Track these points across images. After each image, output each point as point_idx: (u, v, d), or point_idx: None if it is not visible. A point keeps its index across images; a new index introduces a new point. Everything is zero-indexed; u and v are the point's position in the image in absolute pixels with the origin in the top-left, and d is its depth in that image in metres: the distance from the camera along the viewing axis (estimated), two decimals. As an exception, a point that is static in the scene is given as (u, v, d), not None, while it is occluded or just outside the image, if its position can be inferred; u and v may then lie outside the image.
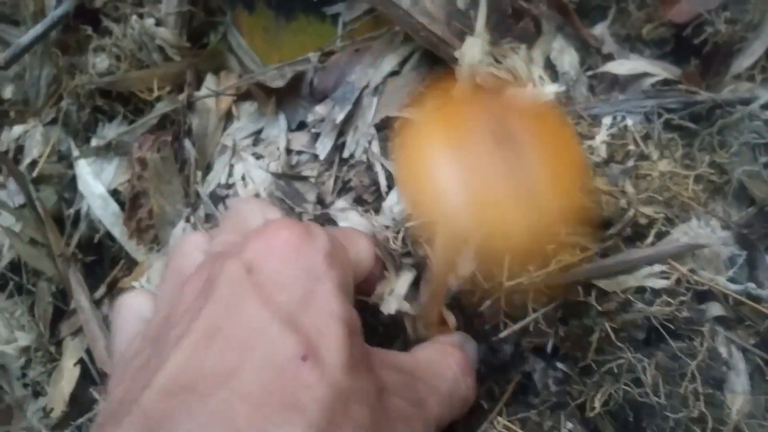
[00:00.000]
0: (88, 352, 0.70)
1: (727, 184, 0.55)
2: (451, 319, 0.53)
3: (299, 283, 0.32)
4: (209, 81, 0.78)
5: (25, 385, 0.71)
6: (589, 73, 0.61)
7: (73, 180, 0.78)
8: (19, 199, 0.77)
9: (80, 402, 0.67)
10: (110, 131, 0.77)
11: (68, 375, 0.69)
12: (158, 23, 0.77)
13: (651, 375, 0.42)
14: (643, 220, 0.52)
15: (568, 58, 0.66)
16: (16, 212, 0.75)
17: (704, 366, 0.43)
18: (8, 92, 0.89)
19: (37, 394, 0.71)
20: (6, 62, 0.73)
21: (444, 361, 0.43)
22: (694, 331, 0.45)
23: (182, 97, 0.72)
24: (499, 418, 0.50)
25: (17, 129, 0.84)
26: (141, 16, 0.76)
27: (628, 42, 0.76)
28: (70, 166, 0.79)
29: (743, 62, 0.73)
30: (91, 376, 0.68)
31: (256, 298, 0.30)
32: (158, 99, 0.75)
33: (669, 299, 0.44)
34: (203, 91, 0.75)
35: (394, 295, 0.52)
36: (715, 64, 0.75)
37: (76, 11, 0.78)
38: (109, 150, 0.76)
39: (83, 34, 0.78)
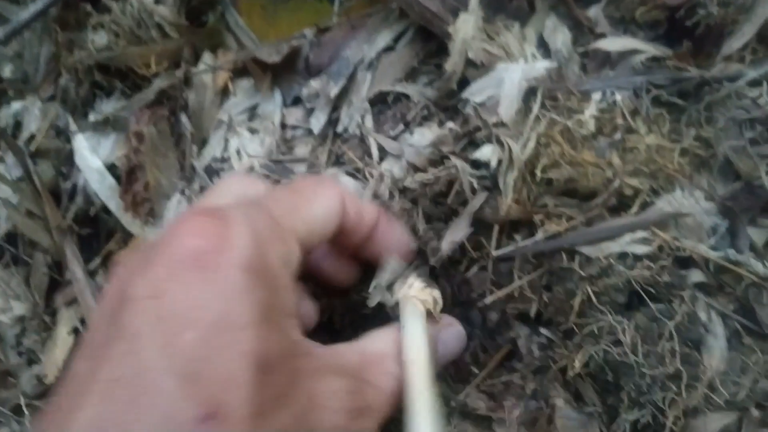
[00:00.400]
0: (83, 321, 0.71)
1: (713, 158, 0.56)
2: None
3: (208, 314, 0.26)
4: (206, 58, 0.79)
5: (20, 353, 0.72)
6: (581, 49, 0.62)
7: (71, 154, 0.79)
8: (17, 173, 0.77)
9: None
10: (108, 106, 0.78)
11: (62, 343, 0.70)
12: (157, 1, 0.78)
13: (630, 335, 0.43)
14: (628, 191, 0.53)
15: (560, 37, 0.67)
16: (14, 185, 0.76)
17: (682, 327, 0.44)
18: (7, 71, 0.90)
19: (32, 361, 0.72)
20: (5, 38, 0.74)
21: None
22: (674, 295, 0.46)
23: (179, 72, 0.73)
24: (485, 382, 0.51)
25: (15, 105, 0.85)
26: (140, -8, 0.77)
27: (622, 24, 0.77)
28: (68, 140, 0.80)
29: (734, 44, 0.74)
30: (85, 345, 0.69)
31: (156, 340, 0.26)
32: (156, 75, 0.76)
33: (650, 264, 0.45)
34: (201, 67, 0.76)
35: (377, 288, 0.48)
36: (707, 46, 0.76)
37: (76, -12, 0.79)
38: (106, 125, 0.77)
39: (83, 11, 0.79)
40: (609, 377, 0.45)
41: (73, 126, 0.79)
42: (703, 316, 0.48)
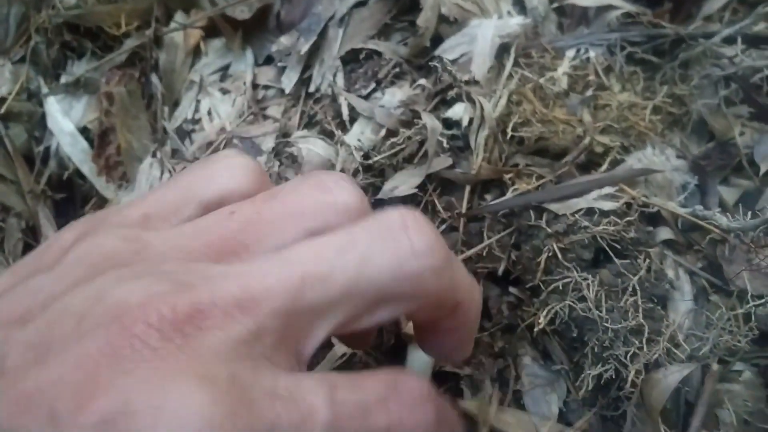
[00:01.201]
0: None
1: (686, 116, 0.56)
2: None
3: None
4: (178, 17, 0.77)
5: None
6: (556, 4, 0.61)
7: (43, 118, 0.78)
8: (-13, 134, 0.76)
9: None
10: (79, 68, 0.77)
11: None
12: (127, -42, 0.75)
13: (594, 291, 0.43)
14: (599, 149, 0.52)
15: (536, -5, 0.65)
16: (-16, 147, 0.75)
17: (647, 283, 0.44)
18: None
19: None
20: (-30, -6, 0.72)
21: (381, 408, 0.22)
22: (640, 251, 0.46)
23: (149, 31, 0.71)
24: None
25: (-14, 66, 0.83)
26: (109, -50, 0.75)
27: None
28: (40, 104, 0.79)
29: (714, 4, 0.73)
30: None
31: None
32: (126, 35, 0.74)
33: (616, 220, 0.45)
34: (172, 26, 0.74)
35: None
36: (687, 6, 0.75)
37: (43, -55, 0.77)
38: (78, 87, 0.76)
39: (51, -29, 0.76)
40: (574, 333, 0.46)
41: (44, 89, 0.77)
42: (670, 272, 0.48)
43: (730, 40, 0.57)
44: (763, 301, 0.41)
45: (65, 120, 0.76)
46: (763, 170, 0.53)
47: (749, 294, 0.45)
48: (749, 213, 0.43)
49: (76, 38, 0.75)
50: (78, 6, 0.74)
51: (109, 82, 0.71)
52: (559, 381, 0.49)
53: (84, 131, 0.76)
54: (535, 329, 0.46)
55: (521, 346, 0.51)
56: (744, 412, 0.42)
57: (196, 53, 0.73)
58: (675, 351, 0.42)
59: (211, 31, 0.72)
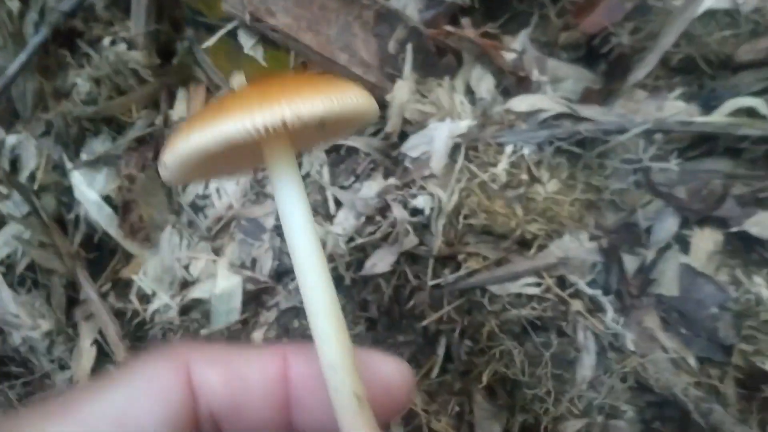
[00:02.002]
0: (101, 333, 0.86)
1: (601, 200, 0.71)
2: None
3: None
4: (180, 95, 0.89)
5: (51, 361, 0.88)
6: (498, 108, 0.74)
7: (69, 187, 0.90)
8: (24, 209, 0.89)
9: (100, 375, 0.84)
10: (97, 146, 0.89)
11: (87, 354, 0.85)
12: (130, 45, 0.86)
13: (519, 360, 0.59)
14: (528, 236, 0.67)
15: (485, 85, 0.78)
16: (24, 221, 0.88)
17: (559, 352, 0.60)
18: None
19: (63, 367, 0.87)
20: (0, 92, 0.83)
21: None
22: (556, 325, 0.62)
23: (159, 120, 0.83)
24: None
25: (11, 139, 0.95)
26: (114, 40, 0.85)
27: (548, 47, 0.89)
28: (64, 174, 0.91)
29: (639, 73, 0.86)
30: (106, 353, 0.85)
31: None
32: (138, 118, 0.86)
33: (535, 305, 0.60)
34: (177, 110, 0.86)
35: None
36: (618, 71, 0.88)
37: (53, 34, 0.87)
38: (98, 162, 0.88)
39: (63, 58, 0.87)
40: (508, 387, 0.62)
41: (68, 164, 0.89)
42: (580, 335, 0.64)
43: (638, 136, 0.70)
44: (636, 364, 0.58)
45: (90, 191, 0.89)
46: (658, 244, 0.68)
47: (635, 353, 0.61)
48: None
49: (93, 123, 0.87)
50: (91, 96, 0.85)
51: (128, 164, 0.84)
52: (502, 414, 0.66)
53: (107, 199, 0.89)
54: (483, 379, 0.63)
55: (474, 387, 0.68)
56: (625, 442, 0.59)
57: (199, 133, 0.86)
58: (577, 402, 0.59)
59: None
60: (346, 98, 0.30)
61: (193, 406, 0.27)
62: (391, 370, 0.30)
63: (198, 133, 0.28)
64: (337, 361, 0.29)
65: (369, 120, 0.35)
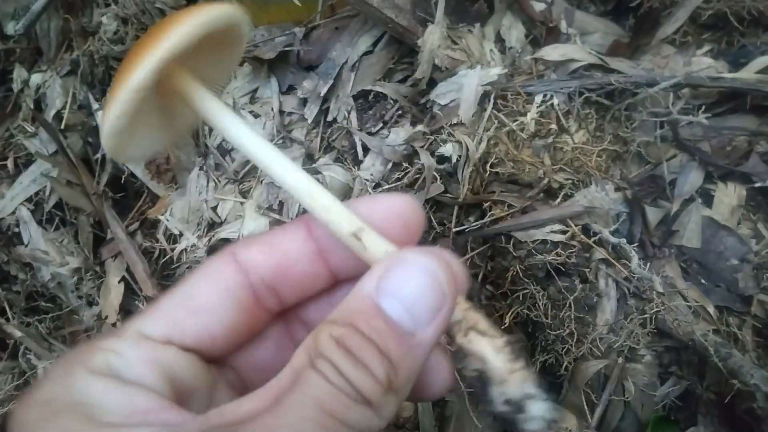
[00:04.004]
0: (128, 271, 0.88)
1: (627, 153, 0.71)
2: None
3: None
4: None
5: (80, 297, 0.90)
6: (527, 58, 0.74)
7: (95, 127, 0.91)
8: (51, 147, 0.90)
9: (128, 312, 0.86)
10: (124, 86, 0.89)
11: (115, 290, 0.87)
12: (156, -16, 0.86)
13: (543, 303, 0.61)
14: (555, 185, 0.68)
15: (515, 33, 0.78)
16: (51, 159, 0.89)
17: (581, 297, 0.62)
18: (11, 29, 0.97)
19: (91, 304, 0.90)
20: (25, 28, 0.83)
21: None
22: (579, 272, 0.63)
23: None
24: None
25: (35, 77, 0.95)
26: (140, -21, 0.85)
27: (576, 0, 0.88)
28: (90, 114, 0.92)
29: (668, 28, 0.85)
30: (134, 290, 0.87)
31: None
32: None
33: (561, 251, 0.62)
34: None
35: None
36: (647, 26, 0.87)
37: (79, -29, 0.86)
38: (124, 103, 0.89)
39: (89, -4, 0.87)
40: (529, 329, 0.64)
41: (94, 104, 0.90)
42: (602, 282, 0.66)
43: (668, 89, 0.70)
44: (658, 309, 0.60)
45: (116, 131, 0.89)
46: (682, 197, 0.69)
47: (657, 299, 0.63)
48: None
49: (119, 63, 0.87)
50: (118, 35, 0.85)
51: (155, 105, 0.85)
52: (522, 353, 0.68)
53: (133, 140, 0.90)
54: (504, 321, 0.65)
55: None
56: (641, 384, 0.62)
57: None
58: (598, 344, 0.61)
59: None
60: (201, 18, 0.33)
61: (244, 280, 0.33)
62: (398, 202, 0.33)
63: (110, 105, 0.32)
64: (325, 204, 0.33)
65: (238, 27, 0.37)
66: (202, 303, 0.32)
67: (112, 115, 0.32)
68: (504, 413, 0.30)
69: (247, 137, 0.34)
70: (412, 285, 0.29)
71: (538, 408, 0.30)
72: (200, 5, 0.34)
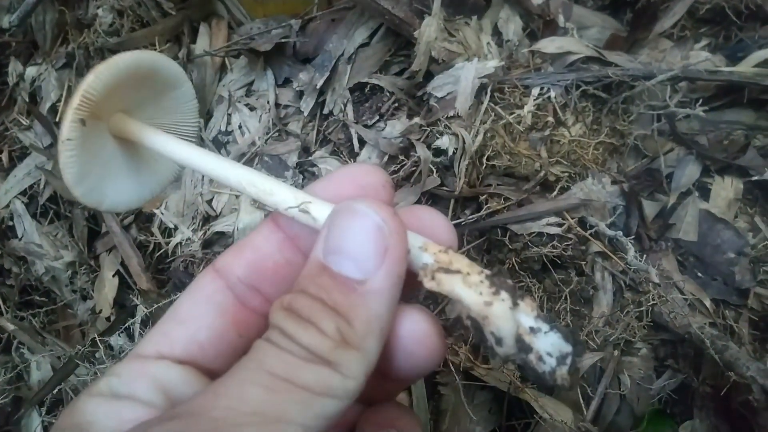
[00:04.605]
0: (123, 265, 0.88)
1: (624, 146, 0.71)
2: None
3: None
4: (202, 32, 0.88)
5: (74, 291, 0.90)
6: (524, 50, 0.73)
7: (90, 120, 0.90)
8: (46, 140, 0.89)
9: (122, 306, 0.86)
10: (119, 79, 0.89)
11: (109, 284, 0.87)
12: (152, -23, 0.85)
13: (539, 295, 0.61)
14: (552, 178, 0.68)
15: (512, 26, 0.77)
16: (46, 152, 0.88)
17: (576, 290, 0.62)
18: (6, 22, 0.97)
19: (85, 297, 0.89)
20: (19, 20, 0.82)
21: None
22: (576, 264, 0.63)
23: (182, 54, 0.83)
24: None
25: (31, 70, 0.94)
26: (136, -29, 0.84)
27: None
28: (86, 107, 0.91)
29: (666, 22, 0.85)
30: (128, 284, 0.86)
31: None
32: (160, 51, 0.86)
33: (557, 244, 0.62)
34: (199, 45, 0.85)
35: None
36: (644, 20, 0.87)
37: (74, -37, 0.86)
38: (119, 96, 0.88)
39: (84, -13, 0.86)
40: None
41: (89, 97, 0.89)
42: (598, 275, 0.65)
43: (665, 82, 0.70)
44: (654, 302, 0.60)
45: (111, 124, 0.89)
46: (679, 190, 0.69)
47: (651, 293, 0.63)
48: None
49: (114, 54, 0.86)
50: (114, 27, 0.85)
51: (151, 98, 0.84)
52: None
53: (128, 133, 0.89)
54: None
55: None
56: (637, 377, 0.61)
57: (222, 68, 0.85)
58: (594, 337, 0.61)
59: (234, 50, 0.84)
60: (112, 64, 0.37)
61: (221, 284, 0.33)
62: (353, 170, 0.33)
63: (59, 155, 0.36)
64: (267, 189, 0.34)
65: (161, 70, 0.40)
66: (185, 313, 0.33)
67: (62, 157, 0.35)
68: (510, 358, 0.26)
69: (185, 150, 0.36)
70: (350, 234, 0.28)
71: (546, 342, 0.26)
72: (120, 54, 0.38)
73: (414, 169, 0.72)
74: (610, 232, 0.64)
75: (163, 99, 0.41)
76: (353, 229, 0.28)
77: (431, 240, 0.30)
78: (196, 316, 0.33)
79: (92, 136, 0.37)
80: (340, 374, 0.26)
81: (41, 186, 0.89)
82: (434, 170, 0.71)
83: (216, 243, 0.81)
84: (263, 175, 0.33)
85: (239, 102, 0.83)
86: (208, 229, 0.80)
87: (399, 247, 0.28)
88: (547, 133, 0.68)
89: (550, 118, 0.69)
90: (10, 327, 0.86)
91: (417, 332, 0.30)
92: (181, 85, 0.41)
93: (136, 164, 0.41)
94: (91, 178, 0.37)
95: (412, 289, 0.32)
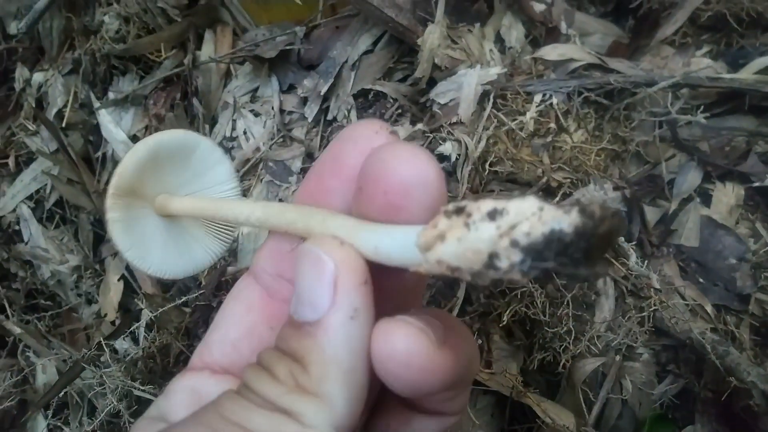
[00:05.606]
0: (128, 269, 0.88)
1: (626, 152, 0.71)
2: None
3: None
4: (207, 38, 0.89)
5: (79, 295, 0.90)
6: (527, 57, 0.74)
7: (96, 126, 0.91)
8: (52, 146, 0.90)
9: (127, 310, 0.86)
10: (125, 85, 0.89)
11: (114, 288, 0.88)
12: (158, -15, 0.86)
13: (541, 301, 0.61)
14: (554, 184, 0.68)
15: (515, 33, 0.78)
16: (52, 157, 0.89)
17: (579, 295, 0.62)
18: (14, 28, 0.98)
19: (90, 301, 0.90)
20: (27, 27, 0.83)
21: None
22: (577, 269, 0.63)
23: (187, 60, 0.84)
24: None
25: (37, 76, 0.95)
26: (142, -22, 0.85)
27: (576, 0, 0.88)
28: (91, 112, 0.92)
29: (668, 29, 0.86)
30: (133, 288, 0.87)
31: None
32: (165, 58, 0.87)
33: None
34: (204, 51, 0.86)
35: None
36: (646, 27, 0.87)
37: (81, -29, 0.87)
38: (125, 101, 0.89)
39: (90, -5, 0.87)
40: (528, 327, 0.64)
41: (96, 103, 0.90)
42: (599, 281, 0.66)
43: (666, 89, 0.71)
44: (655, 307, 0.60)
45: (117, 130, 0.90)
46: (680, 196, 0.70)
47: (653, 298, 0.63)
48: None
49: (121, 62, 0.87)
50: (120, 34, 0.86)
51: (156, 104, 0.85)
52: (518, 353, 0.69)
53: (134, 138, 0.90)
54: (503, 319, 0.65)
55: (492, 327, 0.70)
56: (639, 382, 0.62)
57: (227, 74, 0.86)
58: (596, 342, 0.61)
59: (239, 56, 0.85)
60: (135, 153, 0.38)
61: (250, 280, 0.33)
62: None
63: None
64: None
65: (186, 144, 0.41)
66: (218, 316, 0.33)
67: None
68: (551, 270, 0.21)
69: (241, 206, 0.35)
70: (303, 278, 0.26)
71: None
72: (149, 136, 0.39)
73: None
74: (611, 238, 0.65)
75: (190, 168, 0.42)
76: (304, 273, 0.26)
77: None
78: (226, 315, 0.33)
79: (139, 216, 0.39)
80: (299, 423, 0.24)
81: (47, 191, 0.90)
82: (437, 176, 0.71)
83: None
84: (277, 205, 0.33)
85: (244, 108, 0.84)
86: (213, 233, 0.80)
87: (348, 277, 0.25)
88: (549, 139, 0.69)
89: (553, 125, 0.69)
90: (17, 330, 0.87)
91: (397, 353, 0.25)
92: (198, 144, 0.42)
93: (187, 239, 0.43)
94: (139, 248, 0.39)
95: (406, 300, 0.30)
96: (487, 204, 0.23)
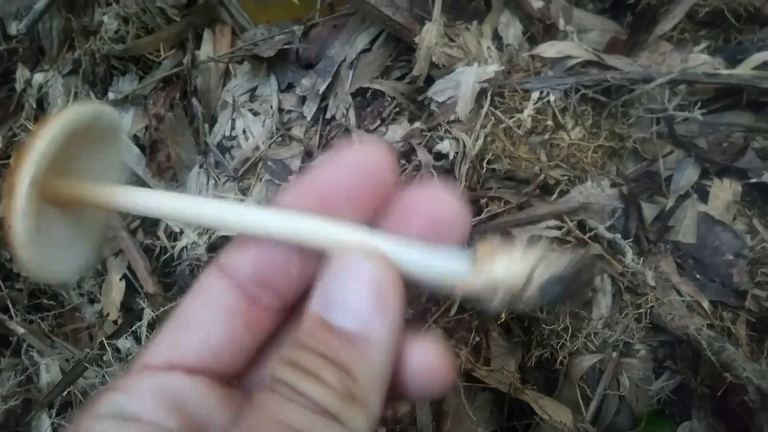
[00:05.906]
0: (129, 269, 0.89)
1: (623, 149, 0.72)
2: None
3: None
4: (206, 38, 0.89)
5: (81, 295, 0.91)
6: (525, 55, 0.74)
7: (97, 126, 0.92)
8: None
9: (129, 309, 0.87)
10: (124, 85, 0.90)
11: (116, 288, 0.88)
12: (157, -17, 0.86)
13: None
14: (551, 181, 0.69)
15: (512, 31, 0.78)
16: (54, 157, 0.90)
17: (577, 292, 0.63)
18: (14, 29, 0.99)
19: (92, 301, 0.91)
20: (27, 28, 0.84)
21: None
22: (575, 267, 0.64)
23: (186, 60, 0.84)
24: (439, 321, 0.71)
25: (38, 77, 0.96)
26: (141, -22, 0.85)
27: None
28: (92, 113, 0.92)
29: (665, 25, 0.86)
30: (135, 288, 0.88)
31: None
32: (165, 58, 0.87)
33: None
34: (203, 51, 0.87)
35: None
36: (644, 23, 0.88)
37: (80, -29, 0.87)
38: (125, 101, 0.90)
39: (89, -5, 0.87)
40: (526, 324, 0.65)
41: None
42: (597, 278, 0.66)
43: (663, 86, 0.71)
44: (652, 304, 0.60)
45: (117, 130, 0.90)
46: (677, 192, 0.70)
47: (651, 293, 0.63)
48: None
49: (121, 62, 0.88)
50: (119, 34, 0.86)
51: (156, 104, 0.85)
52: (517, 350, 0.69)
53: (134, 138, 0.91)
54: (501, 317, 0.66)
55: (491, 325, 0.71)
56: (636, 378, 0.62)
57: (226, 74, 0.86)
58: (593, 339, 0.62)
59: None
60: (51, 130, 0.30)
61: (229, 283, 0.31)
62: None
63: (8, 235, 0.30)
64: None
65: (104, 120, 0.34)
66: (192, 317, 0.31)
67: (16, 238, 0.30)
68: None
69: (162, 198, 0.31)
70: (349, 288, 0.27)
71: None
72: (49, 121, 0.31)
73: (415, 173, 0.73)
74: (609, 235, 0.65)
75: (97, 146, 0.35)
76: (351, 283, 0.27)
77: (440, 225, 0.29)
78: (205, 320, 0.31)
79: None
80: (347, 430, 0.25)
81: (49, 191, 0.91)
82: (435, 174, 0.71)
83: (221, 246, 0.82)
84: (253, 208, 0.31)
85: (243, 107, 0.84)
86: (213, 233, 0.81)
87: (397, 301, 0.27)
88: (546, 136, 0.69)
89: (550, 122, 0.70)
90: (20, 330, 0.88)
91: (426, 364, 0.29)
92: (114, 139, 0.35)
93: (72, 226, 0.35)
94: (38, 251, 0.32)
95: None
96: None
